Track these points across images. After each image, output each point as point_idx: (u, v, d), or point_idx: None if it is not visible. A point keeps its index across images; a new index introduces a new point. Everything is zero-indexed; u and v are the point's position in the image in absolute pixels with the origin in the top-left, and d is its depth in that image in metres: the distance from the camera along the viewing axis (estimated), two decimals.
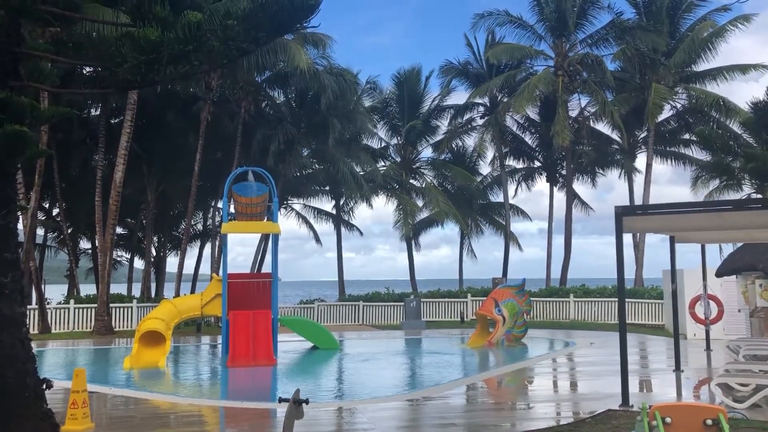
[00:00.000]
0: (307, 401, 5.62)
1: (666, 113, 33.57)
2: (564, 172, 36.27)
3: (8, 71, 5.91)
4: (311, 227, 38.53)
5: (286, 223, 36.04)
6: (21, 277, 5.99)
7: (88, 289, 34.21)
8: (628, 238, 31.71)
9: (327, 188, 37.24)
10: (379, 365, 16.28)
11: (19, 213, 6.13)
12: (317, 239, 39.18)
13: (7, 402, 5.95)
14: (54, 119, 6.08)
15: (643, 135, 34.72)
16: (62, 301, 27.90)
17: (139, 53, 5.18)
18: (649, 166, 32.62)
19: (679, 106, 33.67)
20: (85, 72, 25.63)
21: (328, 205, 38.80)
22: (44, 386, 6.22)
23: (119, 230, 33.96)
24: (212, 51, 5.31)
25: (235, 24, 5.27)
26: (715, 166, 28.29)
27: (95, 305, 25.36)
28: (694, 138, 33.90)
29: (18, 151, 5.49)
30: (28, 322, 6.30)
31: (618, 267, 10.73)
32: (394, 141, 38.70)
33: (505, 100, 35.23)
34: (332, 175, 33.40)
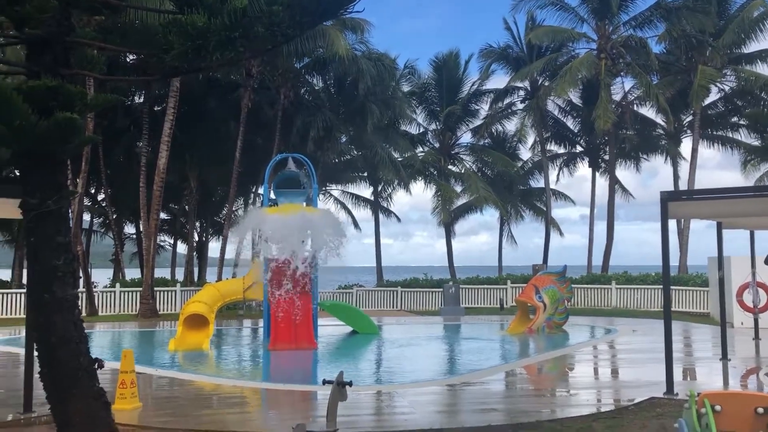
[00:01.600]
0: (350, 384, 5.68)
1: (713, 96, 32.70)
2: (607, 157, 35.65)
3: (59, 60, 6.04)
4: (350, 213, 38.72)
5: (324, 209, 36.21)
6: (73, 260, 6.16)
7: (132, 273, 35.05)
8: (672, 224, 31.04)
9: (365, 174, 37.30)
10: (419, 350, 16.33)
11: (69, 199, 6.29)
12: (356, 225, 39.36)
13: (61, 381, 6.13)
14: (101, 106, 6.21)
15: (688, 119, 33.88)
16: (108, 285, 28.63)
17: (186, 40, 5.24)
18: (695, 150, 31.83)
19: (727, 88, 32.72)
20: (128, 60, 26.10)
21: (366, 191, 38.93)
22: (96, 366, 6.39)
23: (162, 215, 34.62)
24: (257, 37, 5.35)
25: (280, 9, 5.29)
26: (765, 150, 27.44)
27: (140, 289, 25.97)
28: (743, 121, 32.96)
29: (68, 137, 5.62)
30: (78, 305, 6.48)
31: (663, 253, 10.53)
32: (433, 126, 38.52)
33: (546, 84, 34.70)
34: (370, 161, 33.42)
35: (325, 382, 5.82)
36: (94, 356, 6.55)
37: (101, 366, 6.51)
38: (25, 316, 23.77)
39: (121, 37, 6.67)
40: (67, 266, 6.03)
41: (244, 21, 5.15)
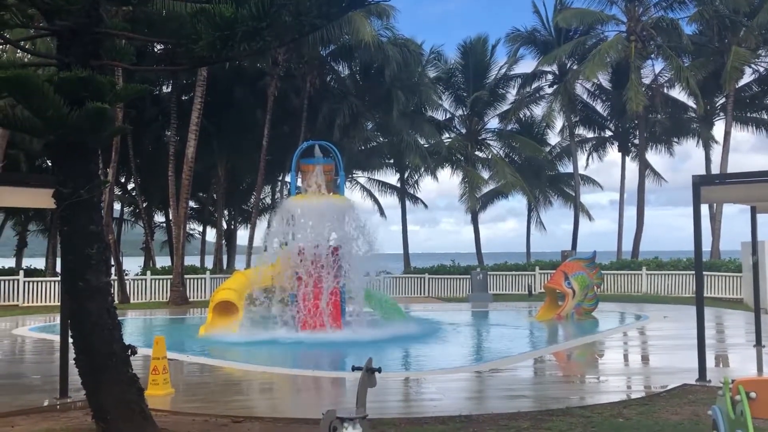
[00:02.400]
0: (380, 370, 5.68)
1: (747, 77, 31.96)
2: (636, 141, 35.11)
3: (89, 51, 6.11)
4: (376, 200, 38.72)
5: (351, 197, 36.28)
6: (106, 248, 6.26)
7: (162, 261, 35.56)
8: (704, 208, 30.53)
9: (391, 161, 37.23)
10: (447, 337, 16.32)
11: (101, 188, 6.38)
12: (382, 212, 39.36)
13: (95, 367, 6.27)
14: (131, 97, 6.27)
15: (721, 101, 33.18)
16: (139, 273, 29.08)
17: (214, 30, 5.25)
18: (727, 134, 31.18)
19: (761, 69, 31.93)
20: (155, 50, 26.31)
21: (392, 178, 38.85)
22: (129, 352, 6.51)
23: (191, 204, 35.00)
24: (284, 27, 5.34)
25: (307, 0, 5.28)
26: None
27: (170, 276, 26.33)
28: None
29: (100, 127, 5.70)
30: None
31: (695, 238, 10.36)
32: (459, 112, 38.22)
33: (575, 67, 34.21)
34: (396, 147, 33.33)
35: (354, 368, 5.82)
36: (126, 343, 6.68)
37: (134, 352, 6.63)
38: (59, 304, 24.30)
39: (148, 27, 6.72)
40: (100, 254, 6.14)
41: (271, 11, 5.14)
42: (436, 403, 9.13)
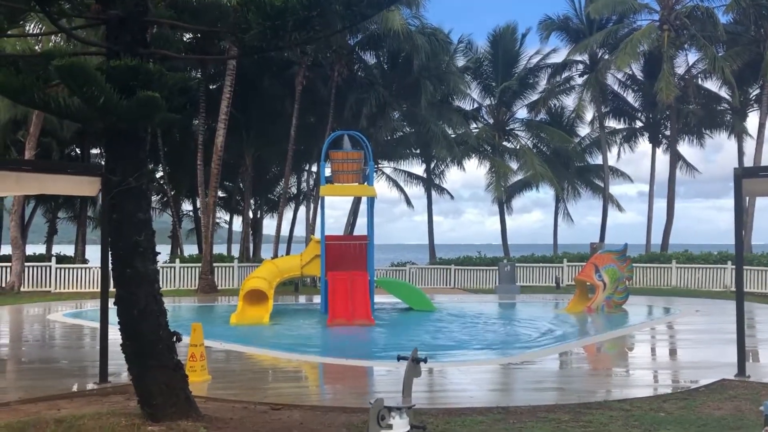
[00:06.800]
0: (425, 360, 5.69)
1: None
2: (668, 132, 34.61)
3: (137, 39, 6.15)
4: (402, 190, 38.64)
5: (377, 187, 36.34)
6: (153, 235, 6.33)
7: (189, 249, 35.90)
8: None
9: (418, 151, 37.12)
10: (477, 329, 16.29)
11: (149, 176, 6.45)
12: (408, 202, 39.30)
13: (142, 353, 6.36)
14: (178, 86, 6.31)
15: (755, 92, 32.54)
16: (167, 261, 29.40)
17: (264, 19, 5.26)
18: (762, 125, 30.55)
19: None
20: (186, 38, 26.44)
21: (418, 168, 38.76)
22: (174, 339, 6.59)
23: (219, 193, 35.25)
24: (335, 16, 5.33)
25: None
26: None
27: (199, 265, 26.56)
28: None
29: (150, 115, 5.74)
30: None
31: (736, 232, 10.22)
32: (487, 102, 37.93)
33: (606, 57, 33.76)
34: (423, 137, 33.20)
35: (399, 358, 5.84)
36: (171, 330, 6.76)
37: (179, 339, 6.71)
38: (90, 290, 24.66)
39: (192, 15, 6.75)
40: (148, 242, 6.22)
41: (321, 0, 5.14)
42: (471, 393, 9.12)
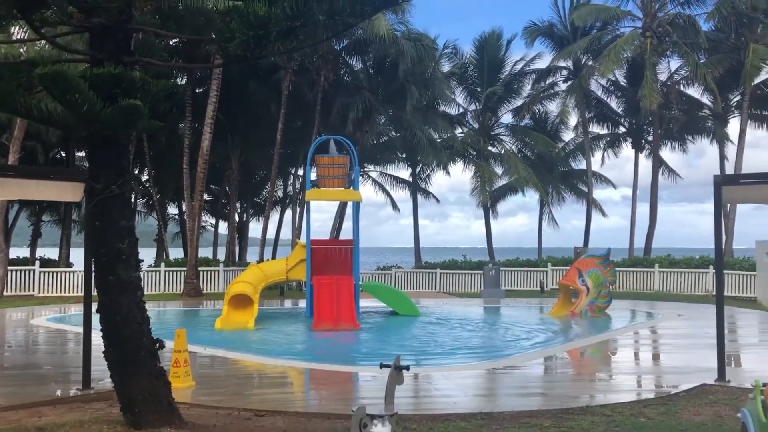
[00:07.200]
0: (407, 368, 5.74)
1: (763, 75, 31.66)
2: (650, 138, 34.94)
3: (121, 47, 6.16)
4: (388, 194, 38.71)
5: (363, 191, 36.39)
6: (136, 242, 6.33)
7: (175, 252, 35.74)
8: None
9: (404, 155, 37.21)
10: (461, 333, 16.35)
11: (132, 183, 6.45)
12: (394, 206, 39.35)
13: (124, 361, 6.35)
14: (162, 92, 6.31)
15: (736, 99, 32.95)
16: (152, 265, 29.24)
17: (248, 29, 5.28)
18: (742, 131, 30.98)
19: None
20: (171, 44, 26.36)
21: (404, 172, 38.84)
22: (157, 346, 6.59)
23: (204, 197, 35.12)
24: (318, 26, 5.36)
25: None
26: None
27: (184, 269, 26.45)
28: None
29: (133, 123, 5.75)
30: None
31: (716, 238, 10.36)
32: (473, 107, 38.11)
33: (590, 63, 34.06)
34: (409, 142, 33.31)
35: (382, 365, 5.88)
36: (154, 337, 6.76)
37: (162, 346, 6.71)
38: (74, 294, 24.43)
39: (176, 23, 6.77)
40: (131, 249, 6.22)
41: (305, 10, 5.17)
42: (455, 399, 9.18)
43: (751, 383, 5.30)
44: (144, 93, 6.16)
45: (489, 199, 36.34)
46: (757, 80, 31.17)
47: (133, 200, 37.53)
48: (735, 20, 30.13)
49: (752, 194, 10.39)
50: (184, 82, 30.72)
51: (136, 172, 36.18)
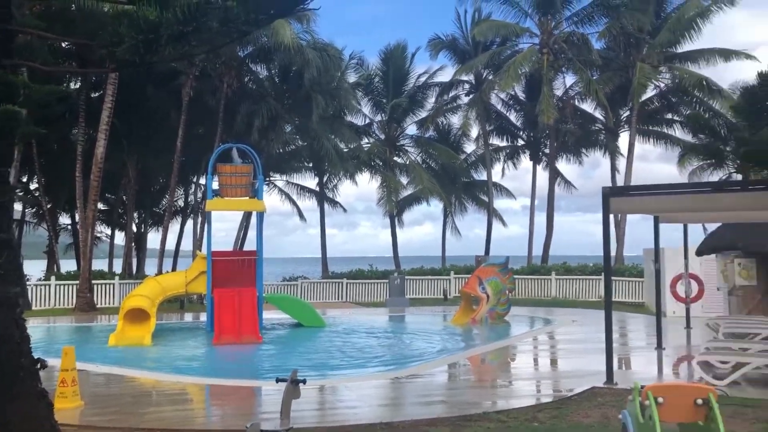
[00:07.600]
0: (304, 381, 5.68)
1: (650, 92, 33.80)
2: (547, 150, 36.44)
3: (0, 49, 5.78)
4: (294, 204, 38.39)
5: (269, 200, 35.89)
6: (16, 256, 5.94)
7: (67, 265, 33.88)
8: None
9: (310, 165, 37.06)
10: (365, 343, 16.38)
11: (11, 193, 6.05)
12: (301, 216, 39.06)
13: (2, 382, 5.93)
14: (46, 97, 5.97)
15: (626, 114, 34.95)
16: (42, 278, 27.64)
17: (137, 33, 5.09)
18: (631, 145, 32.89)
19: (662, 85, 33.84)
20: (64, 46, 25.12)
21: (311, 182, 38.67)
22: (38, 366, 6.20)
23: (99, 206, 33.56)
24: (211, 32, 5.23)
25: (235, 5, 5.19)
26: (704, 149, 28.53)
27: (77, 282, 25.16)
28: (676, 117, 34.22)
29: (12, 130, 5.40)
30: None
31: (605, 247, 10.89)
32: (378, 118, 38.54)
33: (491, 77, 35.19)
34: (316, 151, 33.23)
35: (278, 380, 5.79)
36: (35, 356, 6.36)
37: (44, 366, 6.33)
38: None
39: (65, 26, 6.45)
40: (9, 263, 5.82)
41: (197, 15, 5.03)
42: (356, 410, 9.17)
43: (629, 385, 5.59)
44: (26, 98, 5.82)
45: (395, 209, 36.78)
46: (644, 97, 33.19)
47: (20, 209, 35.40)
48: (623, 40, 32.03)
49: (637, 205, 11.01)
50: (78, 86, 29.35)
51: (24, 179, 34.14)
